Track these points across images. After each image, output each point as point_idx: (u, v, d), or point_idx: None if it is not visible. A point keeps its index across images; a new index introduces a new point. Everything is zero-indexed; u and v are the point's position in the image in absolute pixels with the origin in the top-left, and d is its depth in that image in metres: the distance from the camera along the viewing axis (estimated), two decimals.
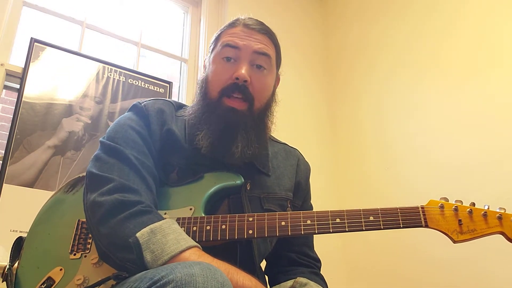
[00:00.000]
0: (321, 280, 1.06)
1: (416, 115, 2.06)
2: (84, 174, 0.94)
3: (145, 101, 1.03)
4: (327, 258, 2.14)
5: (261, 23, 1.06)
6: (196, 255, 0.76)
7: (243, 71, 0.97)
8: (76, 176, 1.03)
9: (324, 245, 2.17)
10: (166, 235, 0.78)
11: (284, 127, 2.26)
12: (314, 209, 1.05)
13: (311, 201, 1.19)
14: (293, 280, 0.98)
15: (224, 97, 0.98)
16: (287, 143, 1.19)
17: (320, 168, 2.35)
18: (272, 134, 1.17)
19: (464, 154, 1.80)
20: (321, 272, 1.11)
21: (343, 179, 2.36)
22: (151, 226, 0.78)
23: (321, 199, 2.10)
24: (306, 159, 1.20)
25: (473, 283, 1.66)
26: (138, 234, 0.77)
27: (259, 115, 1.01)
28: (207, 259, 0.76)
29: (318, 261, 1.13)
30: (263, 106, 1.02)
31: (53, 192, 1.03)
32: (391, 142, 2.15)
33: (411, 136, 2.06)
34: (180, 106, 1.10)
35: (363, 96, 2.37)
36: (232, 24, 1.05)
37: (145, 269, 0.73)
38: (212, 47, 1.07)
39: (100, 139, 0.97)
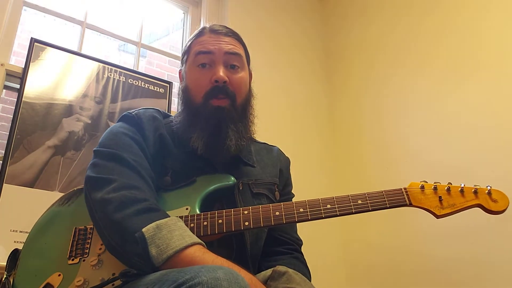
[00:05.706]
0: (301, 263, 1.09)
1: (416, 115, 2.05)
2: (79, 187, 0.97)
3: (135, 110, 1.08)
4: (327, 258, 2.14)
5: (226, 27, 1.13)
6: (201, 252, 0.79)
7: (221, 73, 1.03)
8: (71, 190, 1.05)
9: (324, 245, 2.17)
10: (172, 231, 0.80)
11: (284, 126, 2.27)
12: None
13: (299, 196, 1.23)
14: (272, 269, 0.99)
15: (209, 100, 1.03)
16: (267, 143, 1.27)
17: (319, 168, 2.34)
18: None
19: (463, 154, 1.79)
20: (305, 259, 1.14)
21: (343, 179, 2.35)
22: (157, 222, 0.81)
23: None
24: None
25: (472, 282, 1.65)
26: (144, 229, 0.80)
27: (242, 109, 1.08)
28: (211, 256, 0.79)
29: (299, 239, 1.18)
30: (244, 101, 1.09)
31: (52, 192, 1.04)
32: (391, 142, 2.14)
33: (411, 135, 2.05)
34: (166, 115, 1.15)
35: (363, 96, 2.37)
36: (200, 34, 1.11)
37: (150, 263, 0.76)
38: (184, 58, 1.13)
39: (94, 149, 0.99)
